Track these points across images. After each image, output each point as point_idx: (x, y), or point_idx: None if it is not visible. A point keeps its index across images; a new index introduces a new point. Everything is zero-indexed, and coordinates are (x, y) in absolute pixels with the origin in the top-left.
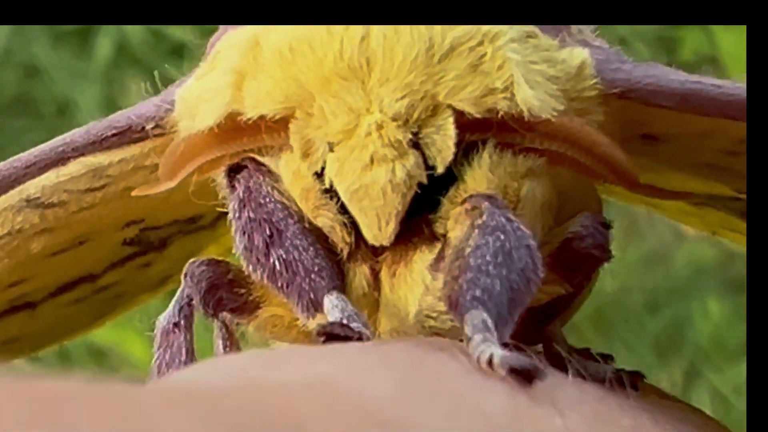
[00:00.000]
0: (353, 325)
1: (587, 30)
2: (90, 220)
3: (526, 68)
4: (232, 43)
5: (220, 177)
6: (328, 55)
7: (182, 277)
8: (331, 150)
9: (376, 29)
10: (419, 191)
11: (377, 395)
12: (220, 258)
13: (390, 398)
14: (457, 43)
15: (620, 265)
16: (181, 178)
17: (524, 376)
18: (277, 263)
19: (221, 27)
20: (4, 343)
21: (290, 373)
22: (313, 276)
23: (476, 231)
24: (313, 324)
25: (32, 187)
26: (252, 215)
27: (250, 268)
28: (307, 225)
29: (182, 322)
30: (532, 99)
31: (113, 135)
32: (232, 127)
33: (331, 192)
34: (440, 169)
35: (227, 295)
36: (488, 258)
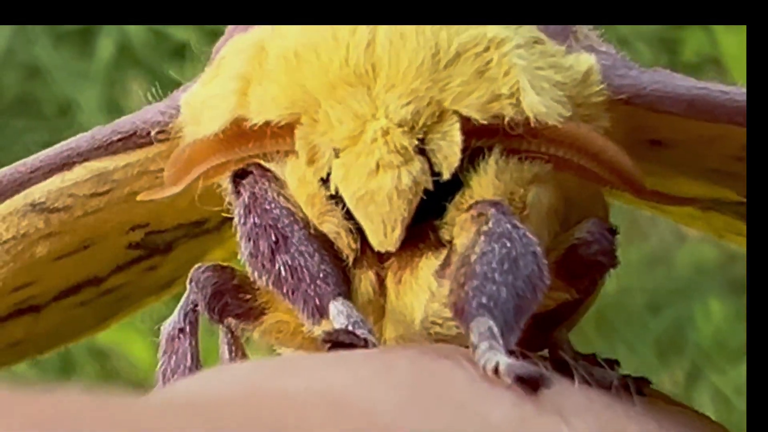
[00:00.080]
0: (359, 331)
1: (594, 35)
2: (95, 224)
3: (533, 74)
4: (238, 48)
5: (225, 182)
6: (333, 61)
7: (187, 282)
8: (337, 156)
9: (381, 35)
10: (425, 197)
11: (382, 404)
12: (225, 263)
13: (395, 407)
14: (463, 49)
15: (622, 266)
16: (186, 183)
17: (530, 384)
18: (282, 269)
19: (226, 31)
20: (9, 346)
21: (296, 381)
22: (318, 282)
23: (482, 238)
24: (318, 330)
25: (37, 191)
26: (257, 221)
27: (256, 274)
28: (312, 231)
29: (187, 328)
30: (539, 105)
31: (118, 140)
32: (237, 133)
33: (336, 198)
34: (446, 176)
35: (232, 300)
36: (494, 265)
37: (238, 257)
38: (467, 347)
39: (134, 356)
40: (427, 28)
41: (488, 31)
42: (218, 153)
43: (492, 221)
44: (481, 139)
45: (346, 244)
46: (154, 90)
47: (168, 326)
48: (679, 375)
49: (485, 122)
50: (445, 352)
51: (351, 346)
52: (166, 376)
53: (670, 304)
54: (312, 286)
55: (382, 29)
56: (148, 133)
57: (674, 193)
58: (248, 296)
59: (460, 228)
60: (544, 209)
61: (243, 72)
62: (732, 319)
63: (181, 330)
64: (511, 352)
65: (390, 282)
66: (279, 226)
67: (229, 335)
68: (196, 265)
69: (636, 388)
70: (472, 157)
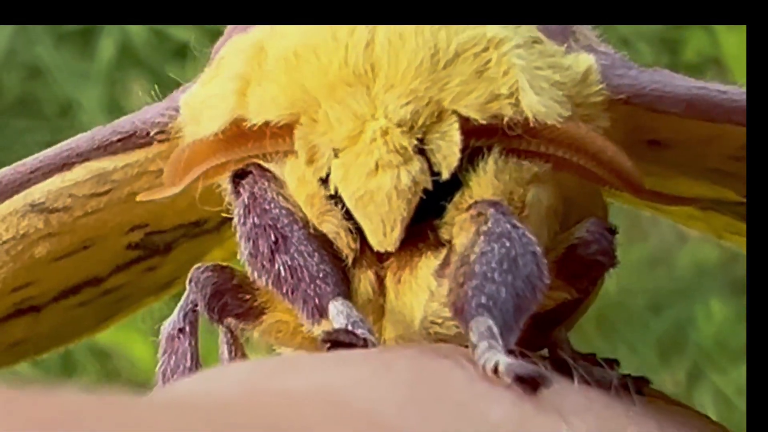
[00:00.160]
0: (358, 331)
1: (593, 35)
2: (94, 224)
3: (532, 74)
4: (237, 48)
5: (225, 182)
6: (333, 62)
7: (187, 282)
8: (336, 156)
9: (381, 35)
10: (424, 197)
11: (382, 403)
12: (224, 263)
13: (395, 407)
14: (462, 49)
15: (623, 266)
16: (186, 183)
17: (530, 384)
18: (282, 269)
19: (225, 31)
20: (9, 346)
21: (295, 381)
22: (318, 282)
23: (481, 237)
24: (318, 330)
25: (37, 192)
26: (257, 221)
27: (255, 274)
28: (312, 231)
29: (187, 327)
30: (538, 105)
31: (118, 140)
32: (236, 133)
33: (336, 198)
34: (445, 175)
35: (232, 300)
36: (493, 265)
37: (238, 257)
38: (467, 347)
39: (135, 356)
40: (426, 28)
41: (487, 31)
42: (218, 153)
43: (491, 221)
44: (481, 138)
45: (345, 244)
46: (155, 90)
47: (168, 326)
48: (680, 375)
49: (484, 122)
50: (445, 352)
51: (350, 345)
52: (166, 376)
53: (671, 304)
54: (311, 286)
55: (381, 29)
56: (148, 134)
57: (673, 193)
58: (248, 296)
59: (460, 228)
60: (543, 209)
61: (242, 72)
62: (733, 319)
63: (181, 330)
64: (510, 352)
65: (389, 282)
66: (278, 226)
67: (229, 335)
68: (196, 265)
69: (636, 388)
70: (471, 156)
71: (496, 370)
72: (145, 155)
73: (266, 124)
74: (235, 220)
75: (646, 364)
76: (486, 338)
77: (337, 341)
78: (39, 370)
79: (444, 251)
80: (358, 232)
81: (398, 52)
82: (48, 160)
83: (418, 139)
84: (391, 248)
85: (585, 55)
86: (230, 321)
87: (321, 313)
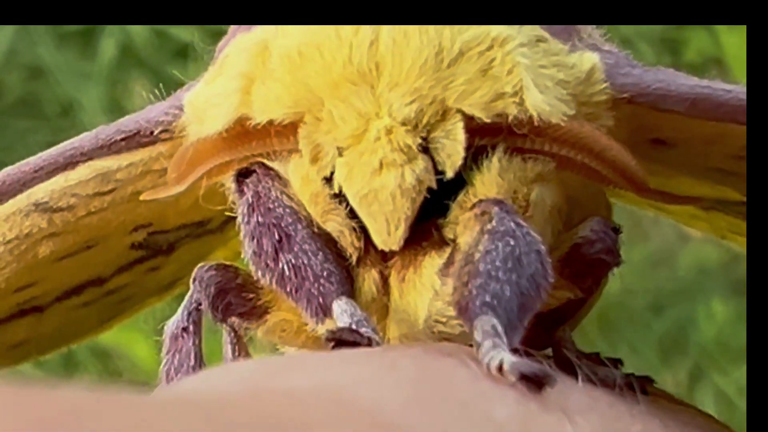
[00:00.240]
0: (362, 330)
1: (597, 34)
2: (98, 224)
3: (536, 72)
4: (241, 47)
5: (228, 181)
6: (337, 60)
7: (191, 281)
8: (340, 155)
9: (385, 34)
10: (428, 196)
11: (386, 402)
12: (228, 262)
13: (398, 405)
14: (467, 47)
15: (625, 267)
16: (190, 182)
17: (534, 383)
18: (285, 268)
19: (229, 30)
20: (12, 346)
21: (299, 380)
22: (322, 281)
23: (486, 236)
24: (321, 329)
25: (40, 191)
26: (261, 220)
27: (259, 273)
28: (316, 230)
29: (191, 327)
30: (542, 103)
31: (122, 139)
32: (240, 132)
33: (340, 197)
34: (449, 174)
35: (236, 299)
36: (498, 263)
37: (242, 257)
38: (471, 346)
39: (137, 356)
40: (431, 27)
41: (491, 30)
42: (221, 152)
43: (495, 220)
44: (485, 137)
45: (349, 243)
46: (156, 90)
47: (171, 325)
48: (682, 375)
49: (489, 121)
50: (449, 351)
51: (354, 344)
52: (169, 375)
53: (672, 304)
54: (315, 285)
55: (386, 28)
56: (152, 133)
57: (677, 193)
58: (251, 295)
59: (464, 226)
60: (547, 208)
61: (246, 71)
62: (734, 319)
63: (185, 329)
64: (515, 351)
65: (393, 281)
66: (282, 224)
67: (233, 334)
68: (200, 264)
69: (639, 387)
70: (475, 155)
71: (500, 369)
72: (149, 154)
73: (270, 122)
74: (239, 219)
75: (648, 364)
76: (490, 337)
77: (341, 340)
78: (41, 370)
79: (448, 250)
80: (362, 231)
81: (402, 50)
82: (51, 160)
83: (422, 138)
84: (395, 247)
85: (589, 54)
86: (234, 320)
87: (325, 312)
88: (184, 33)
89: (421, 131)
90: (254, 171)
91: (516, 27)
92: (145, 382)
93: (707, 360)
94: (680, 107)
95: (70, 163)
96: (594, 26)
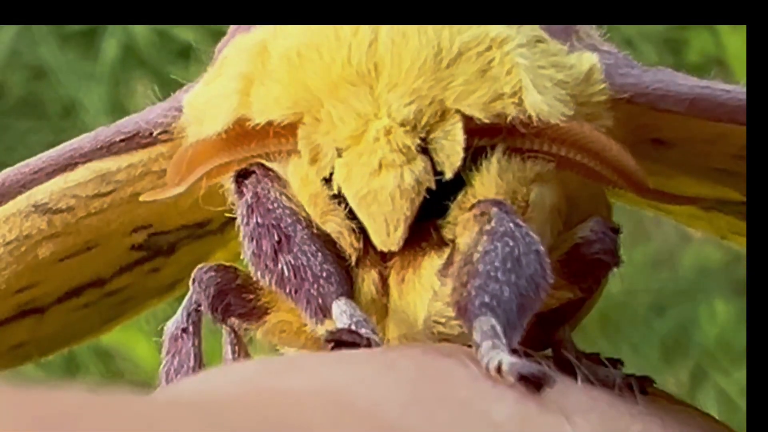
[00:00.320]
0: (362, 331)
1: (596, 34)
2: (98, 225)
3: (535, 73)
4: (240, 48)
5: (228, 182)
6: (336, 61)
7: (190, 282)
8: (340, 155)
9: (384, 34)
10: (428, 197)
11: (385, 403)
12: (228, 263)
13: (398, 406)
14: (465, 48)
15: (626, 267)
16: (189, 183)
17: (533, 383)
18: (285, 269)
19: (229, 31)
20: (13, 348)
21: (298, 381)
22: (321, 282)
23: (485, 237)
24: (321, 330)
25: (40, 192)
26: (260, 221)
27: (259, 273)
28: (315, 231)
29: (190, 327)
30: (541, 104)
31: (121, 140)
32: (240, 133)
33: (339, 197)
34: (449, 175)
35: (235, 300)
36: (497, 264)
37: (241, 259)
38: (470, 346)
39: (138, 357)
40: (429, 28)
41: (490, 30)
42: (221, 153)
43: (494, 220)
44: (484, 138)
45: (348, 244)
46: (158, 91)
47: (171, 326)
48: (684, 376)
49: (488, 121)
50: (448, 351)
51: (354, 345)
52: (169, 376)
53: (674, 305)
54: (315, 286)
55: (385, 29)
56: (151, 134)
57: (677, 193)
58: (251, 296)
59: (463, 227)
60: (546, 208)
61: (245, 72)
62: (736, 320)
63: (185, 330)
64: (514, 351)
65: (393, 281)
66: (282, 225)
67: (232, 335)
68: (200, 265)
69: (639, 387)
70: (474, 156)
71: (499, 370)
72: (149, 155)
73: (269, 123)
74: (239, 219)
75: (649, 365)
76: (489, 337)
77: (340, 341)
78: (42, 370)
79: (447, 251)
80: (362, 232)
81: (401, 51)
82: (51, 161)
83: (421, 139)
84: (394, 248)
85: (588, 54)
86: (233, 321)
87: (324, 312)
88: (186, 33)
89: (420, 132)
90: (253, 172)
91: (515, 27)
92: (146, 383)
93: (709, 360)
94: (679, 107)
95: (69, 164)
96: (594, 26)
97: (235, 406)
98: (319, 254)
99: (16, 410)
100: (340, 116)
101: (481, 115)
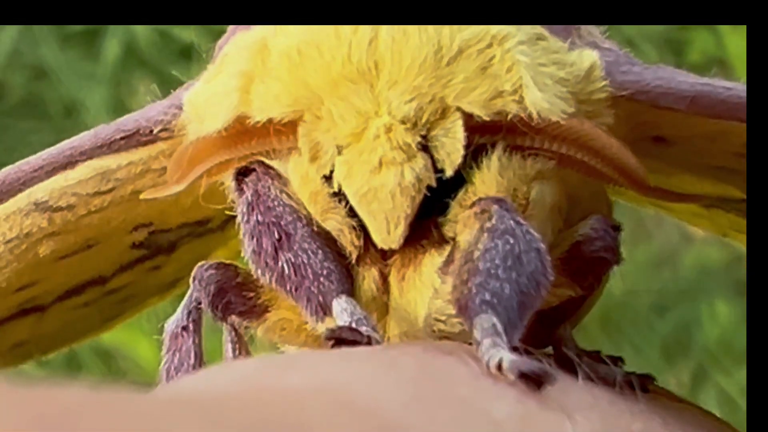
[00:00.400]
0: (362, 329)
1: (597, 32)
2: (98, 223)
3: (536, 70)
4: (240, 46)
5: (228, 180)
6: (336, 58)
7: (191, 280)
8: (340, 153)
9: (384, 32)
10: (428, 194)
11: (386, 401)
12: (228, 261)
13: (398, 404)
14: (466, 45)
15: (628, 267)
16: (189, 181)
17: (534, 381)
18: (285, 267)
19: (229, 29)
20: (14, 346)
21: (299, 379)
22: (321, 279)
23: (485, 234)
24: (321, 328)
25: (40, 190)
26: (260, 219)
27: (259, 271)
28: (315, 228)
29: (191, 325)
30: (542, 101)
31: (121, 138)
32: (240, 131)
33: (339, 195)
34: (449, 172)
35: (236, 298)
36: (497, 261)
37: (242, 257)
38: (471, 344)
39: (139, 356)
40: (430, 26)
41: (491, 28)
42: (221, 151)
43: (495, 218)
44: (484, 135)
45: (349, 242)
46: (159, 91)
47: (171, 324)
48: (685, 376)
49: (488, 119)
50: (449, 349)
51: (354, 343)
52: (169, 374)
53: (676, 305)
54: (315, 284)
55: (385, 27)
56: (151, 131)
57: (678, 191)
58: (251, 294)
59: (463, 225)
60: (547, 206)
61: (246, 69)
62: (738, 320)
63: (185, 328)
64: (514, 349)
65: (393, 279)
66: (282, 223)
67: (233, 333)
68: (200, 263)
69: (640, 385)
70: (475, 153)
71: (500, 367)
72: (149, 153)
73: (269, 121)
74: (239, 217)
75: (651, 365)
76: (490, 335)
77: (340, 339)
78: (43, 369)
79: (448, 248)
80: (362, 230)
81: (401, 49)
82: (51, 159)
83: (421, 136)
84: (395, 245)
85: (589, 52)
86: (234, 319)
87: (325, 310)
88: (188, 33)
89: (420, 129)
90: (254, 170)
91: (515, 25)
92: (148, 382)
93: (710, 360)
94: (680, 105)
95: (69, 162)
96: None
97: (235, 404)
98: (320, 252)
99: (17, 408)
100: (340, 114)
101: (481, 113)
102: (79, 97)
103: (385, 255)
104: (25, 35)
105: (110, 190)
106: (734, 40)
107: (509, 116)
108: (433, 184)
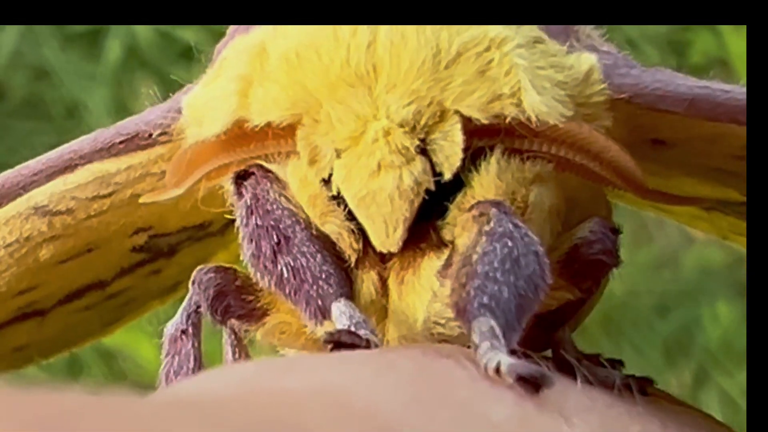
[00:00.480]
0: (361, 332)
1: (595, 35)
2: (98, 227)
3: (534, 74)
4: (239, 49)
5: (227, 184)
6: (334, 62)
7: (190, 284)
8: (338, 156)
9: (382, 35)
10: (427, 198)
11: (384, 404)
12: (228, 265)
13: (396, 406)
14: (464, 48)
15: (629, 269)
16: (189, 185)
17: (532, 384)
18: (284, 270)
19: (228, 32)
20: (14, 350)
21: (297, 381)
22: (320, 283)
23: (484, 237)
24: (320, 331)
25: (40, 194)
26: (259, 222)
27: (258, 275)
28: (314, 232)
29: (190, 329)
30: (540, 105)
31: (121, 142)
32: (238, 134)
33: (338, 199)
34: (448, 176)
35: (235, 302)
36: (496, 265)
37: (242, 260)
38: (469, 347)
39: (141, 358)
40: (428, 28)
41: (489, 31)
42: (220, 154)
43: (493, 221)
44: (483, 138)
45: (348, 245)
46: (160, 92)
47: (171, 327)
48: (686, 377)
49: (486, 122)
50: (447, 352)
51: (353, 346)
52: (168, 377)
53: (677, 306)
54: (314, 287)
55: (383, 29)
56: (150, 135)
57: (677, 193)
58: (251, 297)
59: (462, 228)
60: (545, 209)
61: (244, 73)
62: (739, 321)
63: (184, 331)
64: (513, 352)
65: (392, 282)
66: (281, 227)
67: (232, 336)
68: (199, 267)
69: (639, 388)
70: (473, 157)
71: (498, 370)
72: (148, 157)
73: (268, 124)
74: (238, 221)
75: (652, 366)
76: (488, 338)
77: (339, 342)
78: (45, 372)
79: (446, 252)
80: (361, 233)
81: (400, 52)
82: (50, 163)
83: (420, 140)
84: (393, 249)
85: (587, 55)
86: (233, 322)
87: (324, 314)
88: (189, 34)
89: (419, 133)
90: (253, 173)
91: (514, 28)
92: (149, 384)
93: (711, 362)
94: (679, 107)
95: (69, 166)
96: (593, 26)
97: (233, 407)
98: (319, 255)
99: (17, 410)
100: (338, 117)
101: (480, 116)
102: (81, 98)
103: (383, 258)
104: (26, 36)
105: (110, 194)
106: (735, 41)
107: (508, 119)
108: (432, 187)
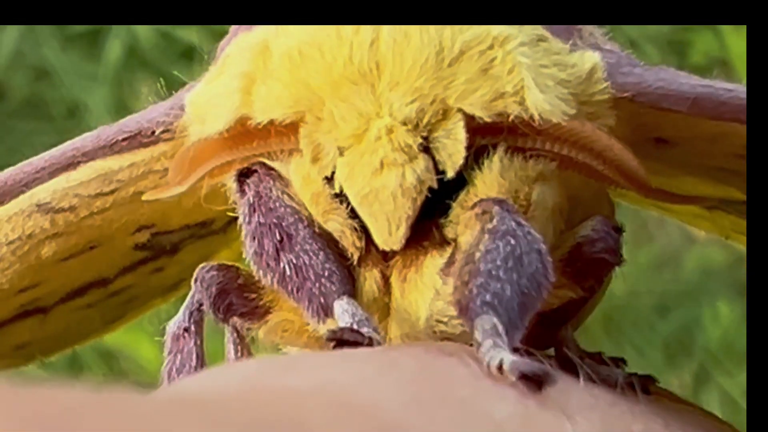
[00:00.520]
0: (363, 330)
1: (599, 33)
2: (101, 224)
3: (537, 72)
4: (242, 47)
5: (230, 181)
6: (337, 60)
7: (192, 282)
8: (341, 154)
9: (385, 33)
10: (429, 196)
11: (386, 401)
12: (230, 263)
13: (398, 404)
14: (467, 47)
15: (630, 269)
16: (191, 183)
17: (534, 382)
18: (287, 268)
19: (231, 30)
20: (16, 348)
21: (299, 379)
22: (323, 281)
23: (486, 235)
24: (323, 329)
25: (42, 191)
26: (262, 220)
27: (261, 272)
28: (317, 230)
29: (192, 327)
30: (543, 103)
31: (123, 139)
32: (241, 132)
33: (341, 196)
34: (450, 174)
35: (237, 300)
36: (498, 263)
37: (245, 258)
38: (472, 345)
39: (142, 357)
40: (431, 27)
41: (492, 29)
42: (223, 152)
43: (496, 219)
44: (486, 137)
45: (350, 243)
46: (162, 92)
47: (173, 325)
48: (687, 377)
49: (489, 120)
50: (450, 350)
51: (355, 344)
52: (171, 375)
53: (678, 306)
54: (317, 285)
55: (386, 28)
56: (153, 133)
57: (680, 192)
58: (253, 295)
59: (465, 226)
60: (548, 207)
61: (247, 71)
62: (740, 321)
63: (186, 329)
64: (515, 350)
65: (395, 280)
66: (284, 224)
67: (235, 334)
68: (201, 265)
69: (642, 386)
70: (476, 155)
71: (500, 368)
72: (151, 154)
73: (271, 122)
74: (240, 219)
75: (653, 366)
76: (491, 336)
77: (342, 340)
78: (46, 370)
79: (449, 250)
80: (364, 231)
81: (403, 50)
82: (53, 160)
83: (423, 138)
84: (396, 247)
85: (590, 53)
86: (236, 320)
87: (326, 311)
88: (190, 34)
89: (421, 131)
90: (255, 171)
91: (516, 26)
92: (150, 383)
93: (712, 362)
94: (682, 106)
95: (71, 163)
96: (597, 26)
97: (235, 405)
98: (321, 253)
99: (18, 408)
100: (341, 115)
101: (482, 114)
102: (82, 98)
103: (386, 256)
104: (27, 36)
105: (112, 192)
106: (736, 41)
107: (510, 118)
108: (435, 185)
